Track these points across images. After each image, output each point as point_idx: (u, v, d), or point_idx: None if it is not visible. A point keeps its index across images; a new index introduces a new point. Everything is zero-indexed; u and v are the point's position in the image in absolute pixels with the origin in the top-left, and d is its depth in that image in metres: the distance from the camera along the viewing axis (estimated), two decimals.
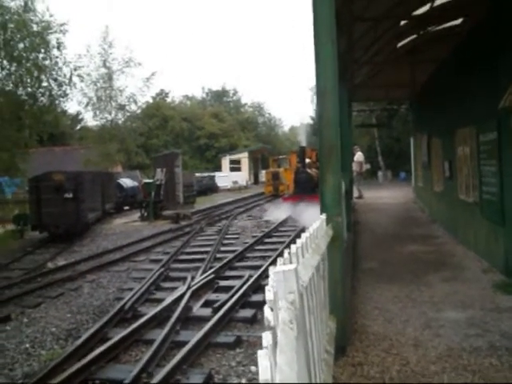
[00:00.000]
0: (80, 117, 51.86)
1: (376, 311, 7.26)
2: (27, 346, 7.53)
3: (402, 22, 14.75)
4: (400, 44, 17.39)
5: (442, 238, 13.36)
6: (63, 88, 20.16)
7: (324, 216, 5.18)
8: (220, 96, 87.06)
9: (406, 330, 6.47)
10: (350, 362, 5.44)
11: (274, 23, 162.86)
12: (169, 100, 76.96)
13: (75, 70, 20.79)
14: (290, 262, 2.83)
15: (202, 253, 13.85)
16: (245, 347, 6.87)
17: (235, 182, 48.79)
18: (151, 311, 8.11)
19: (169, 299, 8.65)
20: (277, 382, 1.47)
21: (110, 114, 39.11)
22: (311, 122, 53.90)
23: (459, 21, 14.95)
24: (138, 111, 45.94)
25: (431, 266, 10.11)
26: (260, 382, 1.30)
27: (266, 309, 1.85)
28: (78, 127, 54.26)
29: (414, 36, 16.73)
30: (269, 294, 1.98)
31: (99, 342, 7.00)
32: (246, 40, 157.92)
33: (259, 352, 1.45)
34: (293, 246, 3.05)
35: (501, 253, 9.00)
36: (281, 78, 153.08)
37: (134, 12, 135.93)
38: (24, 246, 17.65)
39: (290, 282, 2.34)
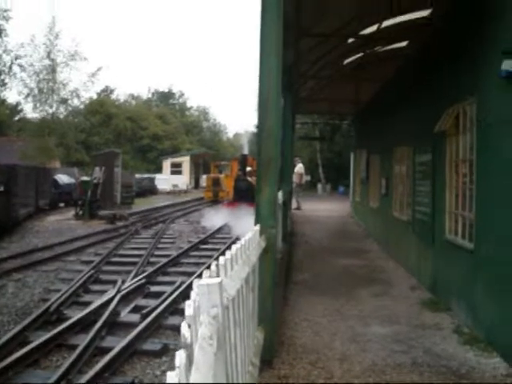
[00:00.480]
0: (19, 107, 50.08)
1: (305, 323, 7.31)
2: None
3: (350, 40, 15.06)
4: (347, 61, 17.72)
5: (375, 253, 13.67)
6: (1, 77, 19.39)
7: (258, 227, 5.16)
8: (166, 97, 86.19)
9: (334, 343, 6.53)
10: (276, 374, 5.43)
11: (224, 29, 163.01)
12: (113, 97, 75.56)
13: (16, 59, 20.03)
14: (218, 275, 2.78)
15: (135, 256, 13.62)
16: (171, 356, 6.72)
17: (175, 186, 48.35)
18: (77, 314, 7.85)
19: (97, 303, 8.42)
20: None
21: (52, 107, 37.96)
22: (255, 130, 54.21)
23: (404, 43, 15.40)
24: (81, 106, 44.84)
25: (363, 280, 10.32)
26: None
27: (184, 325, 1.79)
28: (17, 118, 52.31)
29: (361, 54, 17.10)
30: (188, 310, 1.92)
31: (19, 346, 6.68)
32: (195, 43, 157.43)
33: (168, 373, 1.38)
34: (221, 258, 3.01)
35: (429, 271, 9.29)
36: (228, 84, 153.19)
37: (84, 4, 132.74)
38: None
39: (214, 296, 2.28)
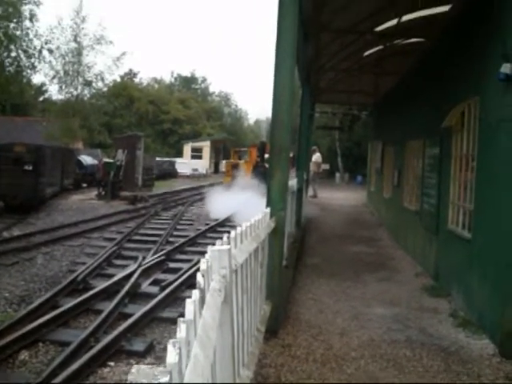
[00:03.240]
0: (44, 88, 50.92)
1: (311, 302, 7.87)
2: None
3: (374, 30, 15.34)
4: (366, 53, 18.04)
5: (385, 242, 14.13)
6: (32, 60, 20.12)
7: (268, 209, 5.73)
8: (188, 82, 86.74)
9: (336, 320, 7.09)
10: (280, 343, 6.02)
11: (248, 14, 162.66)
12: (136, 81, 76.36)
13: (46, 43, 20.75)
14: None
15: (155, 235, 14.30)
16: None
17: (195, 170, 48.95)
18: (102, 284, 8.57)
19: (119, 275, 9.12)
20: (199, 325, 1.98)
21: (76, 89, 38.67)
22: None
23: (423, 39, 15.68)
24: (105, 89, 45.48)
25: (370, 266, 10.81)
26: (185, 318, 1.79)
27: (199, 275, 2.36)
28: (41, 99, 53.21)
29: (381, 47, 17.40)
30: (203, 265, 2.50)
31: (51, 309, 7.42)
32: (219, 29, 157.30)
33: (187, 300, 1.95)
34: (232, 232, 3.57)
35: (432, 259, 9.77)
36: (250, 70, 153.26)
37: None
38: None
39: (223, 259, 2.86)
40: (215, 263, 2.75)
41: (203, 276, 2.38)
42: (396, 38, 15.87)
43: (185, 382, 1.46)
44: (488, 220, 6.87)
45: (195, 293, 2.09)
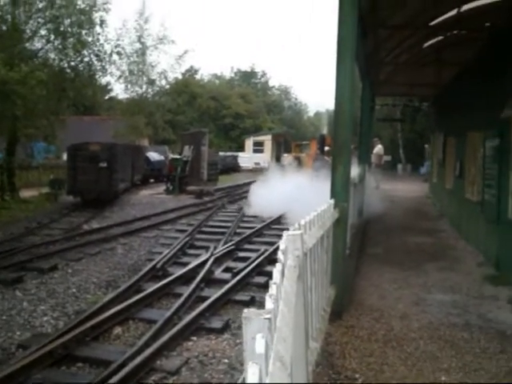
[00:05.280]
0: (109, 87, 52.89)
1: (373, 288, 8.31)
2: (74, 290, 8.89)
3: (431, 23, 15.43)
4: (427, 44, 18.07)
5: (447, 233, 14.24)
6: (103, 63, 21.35)
7: (332, 201, 6.25)
8: (248, 77, 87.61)
9: (397, 305, 7.51)
10: (344, 325, 6.54)
11: (307, 6, 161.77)
12: (198, 77, 77.87)
13: (116, 47, 21.94)
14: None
15: (223, 227, 15.05)
16: (257, 305, 8.02)
17: (257, 164, 49.56)
18: (179, 271, 9.38)
19: (194, 263, 9.89)
20: (282, 291, 2.56)
21: (141, 87, 40.06)
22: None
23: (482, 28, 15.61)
24: (167, 87, 46.80)
25: (432, 256, 11.06)
26: (273, 281, 2.37)
27: (279, 252, 2.94)
28: (107, 97, 55.30)
29: (441, 38, 17.40)
30: (282, 246, 3.08)
31: (135, 292, 8.28)
32: (278, 22, 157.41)
33: (274, 269, 2.54)
34: (302, 220, 4.12)
35: (494, 249, 9.98)
36: (309, 63, 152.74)
37: None
38: (60, 209, 19.04)
39: (297, 242, 3.44)
40: (290, 245, 3.32)
41: (283, 254, 2.95)
42: (456, 28, 15.88)
43: (277, 324, 2.04)
44: None
45: (278, 265, 2.66)
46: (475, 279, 9.20)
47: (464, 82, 14.99)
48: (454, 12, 14.36)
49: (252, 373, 1.43)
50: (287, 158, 38.37)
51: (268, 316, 1.83)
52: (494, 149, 10.30)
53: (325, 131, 28.23)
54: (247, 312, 1.86)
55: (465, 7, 14.12)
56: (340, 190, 6.58)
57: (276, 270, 2.47)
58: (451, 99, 17.68)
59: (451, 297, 8.05)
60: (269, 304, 2.01)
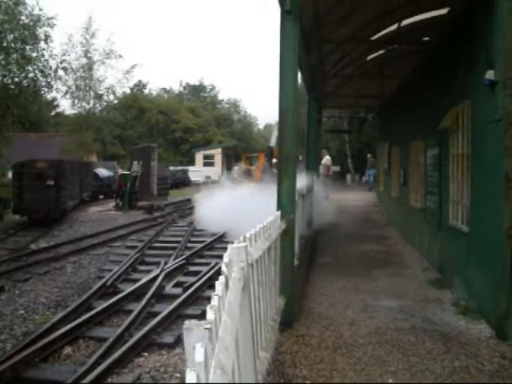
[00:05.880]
0: (55, 103, 51.90)
1: (323, 297, 8.48)
2: (22, 312, 8.73)
3: (372, 38, 15.91)
4: (370, 57, 18.61)
5: (395, 239, 14.65)
6: (48, 79, 21.01)
7: (279, 213, 6.38)
8: (197, 91, 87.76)
9: (346, 312, 7.69)
10: (294, 334, 6.66)
11: (254, 21, 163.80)
12: (146, 92, 77.51)
13: (61, 62, 21.65)
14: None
15: (173, 242, 15.04)
16: None
17: (208, 177, 49.70)
18: (129, 288, 9.31)
19: (145, 279, 9.84)
20: (226, 304, 2.64)
21: (88, 103, 39.51)
22: None
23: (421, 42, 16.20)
24: (115, 101, 46.31)
25: (380, 263, 11.35)
26: (216, 293, 2.45)
27: (222, 265, 3.02)
28: (53, 113, 54.22)
29: (383, 51, 17.94)
30: (225, 259, 3.16)
31: (85, 311, 8.16)
32: (226, 36, 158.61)
33: (216, 282, 2.61)
34: (247, 233, 4.22)
35: (437, 254, 10.36)
36: (257, 76, 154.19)
37: (118, 2, 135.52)
38: (5, 229, 18.54)
39: (241, 254, 3.52)
40: (235, 258, 3.40)
41: (226, 267, 3.03)
42: (397, 42, 16.43)
43: (219, 334, 2.12)
44: (481, 214, 7.46)
45: (221, 277, 2.74)
46: (421, 283, 9.52)
47: (406, 93, 15.53)
48: (394, 27, 14.86)
49: (189, 379, 1.50)
50: (237, 170, 38.52)
51: (208, 326, 1.90)
52: (434, 157, 10.72)
53: (273, 143, 28.41)
54: (188, 323, 1.93)
55: (404, 22, 14.65)
56: (286, 202, 6.71)
57: (218, 283, 2.55)
58: (394, 110, 18.28)
59: (398, 302, 8.28)
60: (210, 315, 2.09)
